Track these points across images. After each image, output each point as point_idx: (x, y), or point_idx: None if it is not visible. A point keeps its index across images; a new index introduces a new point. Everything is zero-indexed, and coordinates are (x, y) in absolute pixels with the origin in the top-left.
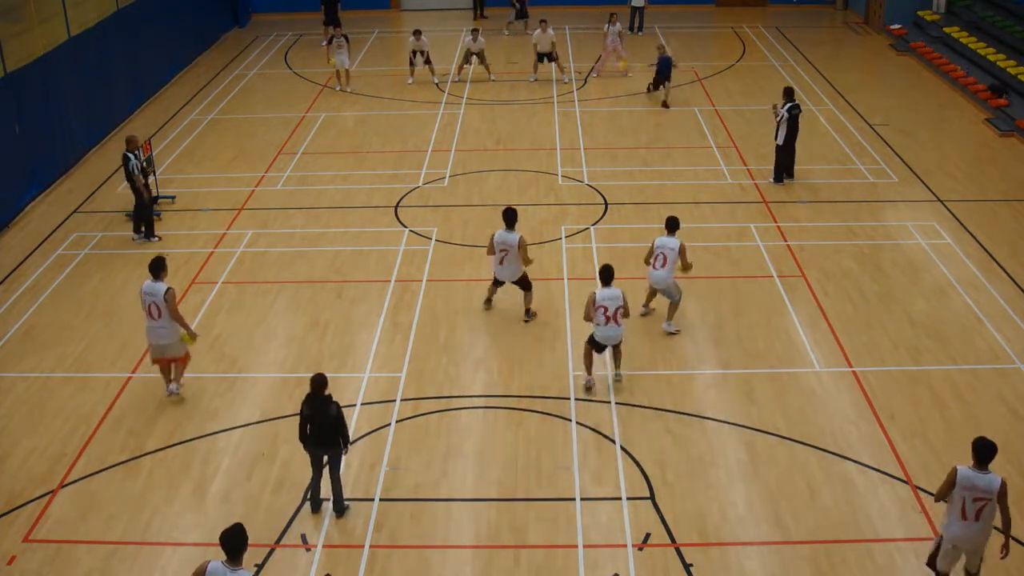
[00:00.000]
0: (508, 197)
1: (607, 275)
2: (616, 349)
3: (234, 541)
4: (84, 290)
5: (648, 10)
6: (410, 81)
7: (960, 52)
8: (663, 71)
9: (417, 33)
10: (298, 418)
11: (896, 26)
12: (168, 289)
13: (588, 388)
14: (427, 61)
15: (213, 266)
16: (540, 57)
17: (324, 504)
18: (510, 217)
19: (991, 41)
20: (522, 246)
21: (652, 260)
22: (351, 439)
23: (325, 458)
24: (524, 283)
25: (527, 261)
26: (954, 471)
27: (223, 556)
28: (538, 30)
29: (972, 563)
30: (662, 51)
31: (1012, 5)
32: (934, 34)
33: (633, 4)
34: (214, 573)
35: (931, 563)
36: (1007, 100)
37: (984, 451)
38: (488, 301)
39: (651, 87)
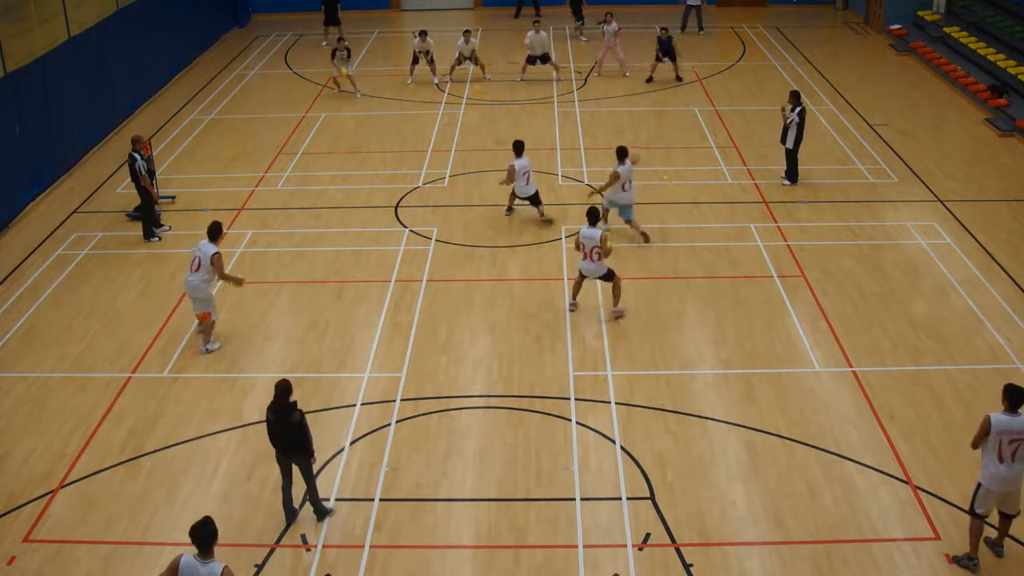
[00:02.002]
0: (508, 197)
1: (592, 216)
2: (608, 281)
3: (203, 534)
4: (84, 290)
5: (648, 10)
6: (409, 81)
7: (960, 52)
8: (666, 51)
9: (423, 34)
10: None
11: (896, 26)
12: (215, 253)
13: (571, 309)
14: (431, 61)
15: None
16: (531, 60)
17: (299, 513)
18: (520, 146)
19: (991, 41)
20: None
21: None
22: (352, 439)
23: (294, 465)
24: (537, 198)
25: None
26: (987, 419)
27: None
28: (531, 31)
29: (1012, 504)
30: (664, 34)
31: (1012, 5)
32: (934, 34)
33: (688, 3)
34: (187, 567)
35: (972, 510)
36: (1007, 100)
37: (1015, 395)
38: (543, 216)
39: (651, 74)
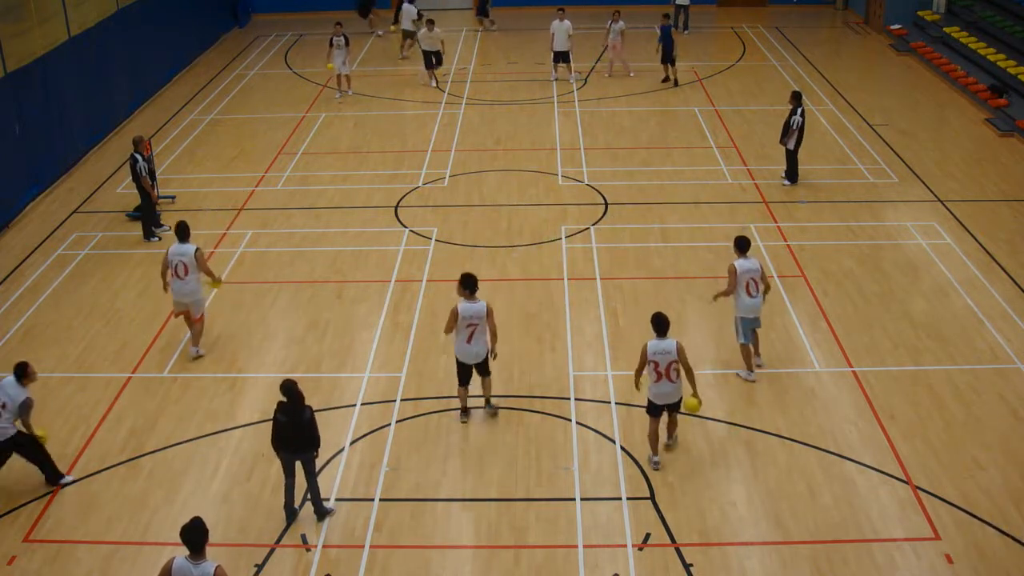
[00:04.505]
0: (508, 197)
1: (662, 326)
2: (672, 416)
3: (193, 535)
4: (84, 290)
5: (648, 11)
6: (433, 84)
7: (960, 52)
8: (665, 41)
9: (430, 23)
10: (272, 424)
11: (896, 26)
12: (197, 249)
13: (655, 468)
14: (436, 63)
15: (213, 266)
16: (556, 57)
17: (300, 512)
18: (472, 283)
19: (991, 41)
20: (491, 314)
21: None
22: (352, 439)
23: (297, 463)
24: (487, 366)
25: (494, 333)
26: None
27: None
28: (555, 19)
29: None
30: (665, 20)
31: (1012, 5)
32: (934, 34)
33: (678, 2)
34: (179, 569)
35: None
36: (1007, 100)
37: None
38: (465, 411)
39: (666, 72)
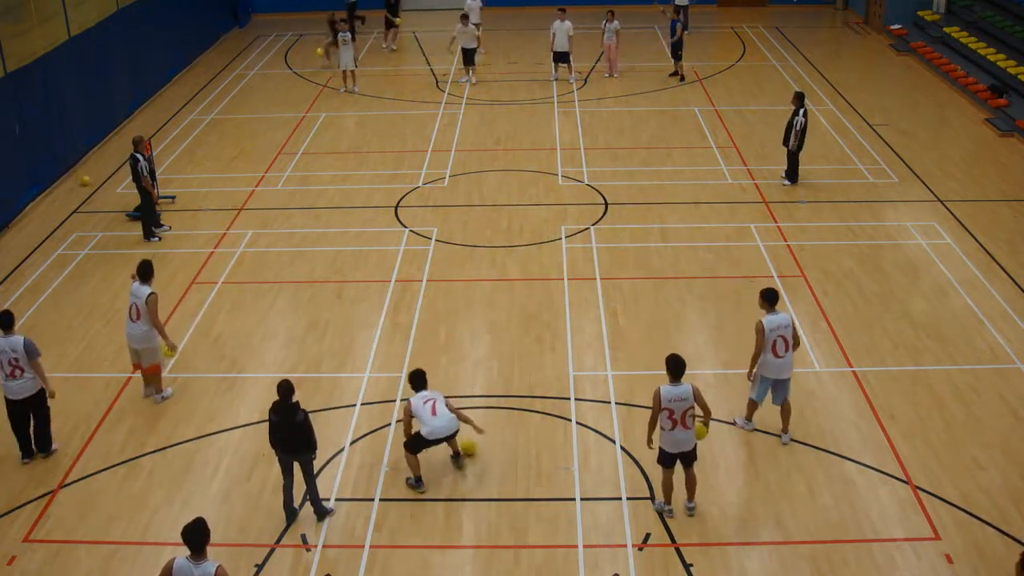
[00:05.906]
0: (508, 197)
1: (677, 370)
2: (689, 467)
3: (195, 535)
4: (84, 290)
5: (647, 11)
6: (464, 80)
7: (960, 52)
8: (672, 34)
9: (464, 18)
10: (267, 425)
11: (896, 26)
12: (151, 294)
13: (661, 512)
14: (471, 62)
15: (213, 266)
16: (557, 58)
17: (300, 513)
18: (420, 378)
19: (991, 41)
20: (448, 402)
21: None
22: (352, 439)
23: (296, 464)
24: (455, 434)
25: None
26: None
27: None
28: (556, 20)
29: None
30: (675, 16)
31: (1012, 5)
32: (934, 34)
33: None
34: (180, 569)
35: None
36: (1007, 100)
37: None
38: (420, 479)
39: (676, 66)
